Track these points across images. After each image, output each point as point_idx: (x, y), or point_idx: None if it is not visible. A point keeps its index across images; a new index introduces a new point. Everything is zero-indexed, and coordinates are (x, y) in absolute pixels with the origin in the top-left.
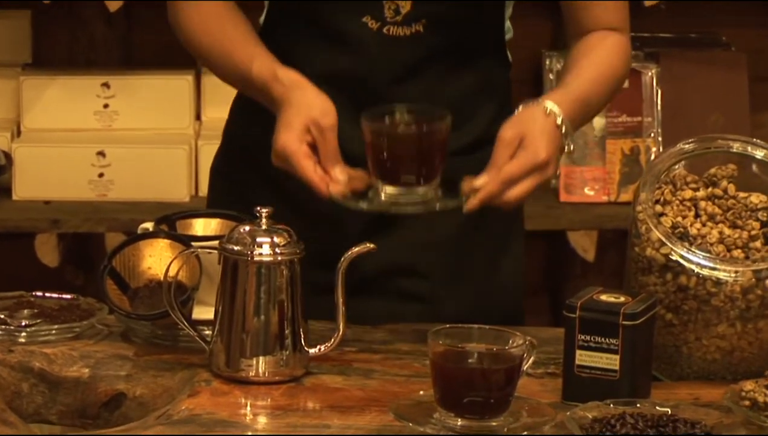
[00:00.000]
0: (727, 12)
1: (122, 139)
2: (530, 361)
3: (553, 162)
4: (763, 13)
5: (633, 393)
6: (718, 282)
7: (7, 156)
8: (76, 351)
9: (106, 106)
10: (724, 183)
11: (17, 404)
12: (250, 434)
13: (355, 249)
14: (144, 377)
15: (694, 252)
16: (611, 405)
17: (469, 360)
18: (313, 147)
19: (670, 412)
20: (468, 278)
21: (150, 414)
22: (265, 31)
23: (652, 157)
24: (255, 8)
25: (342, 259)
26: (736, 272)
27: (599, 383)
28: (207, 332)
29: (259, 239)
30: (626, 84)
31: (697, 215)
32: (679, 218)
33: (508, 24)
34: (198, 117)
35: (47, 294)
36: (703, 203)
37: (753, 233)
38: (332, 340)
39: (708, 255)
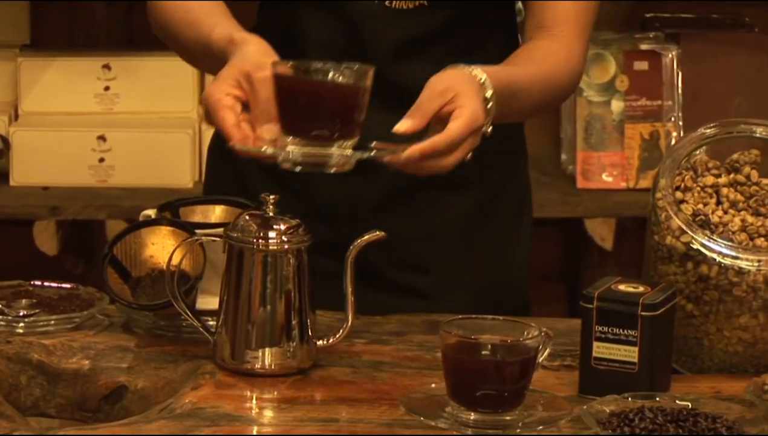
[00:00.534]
0: None
1: (123, 123)
2: (546, 353)
3: (482, 127)
4: None
5: (652, 386)
6: (740, 272)
7: (5, 140)
8: (76, 342)
9: (106, 88)
10: (747, 169)
11: (15, 396)
12: (255, 428)
13: (365, 237)
14: (146, 369)
15: (715, 240)
16: (629, 399)
17: (483, 352)
18: (246, 103)
19: (690, 406)
20: (471, 272)
21: (152, 408)
22: (266, 4)
23: (673, 142)
24: None
25: (351, 247)
26: (759, 261)
27: (617, 376)
28: (211, 323)
29: (265, 227)
30: (646, 66)
31: (718, 202)
32: (700, 205)
33: (519, 5)
34: (201, 101)
35: (46, 283)
36: (725, 190)
37: None
38: (341, 331)
39: (730, 244)
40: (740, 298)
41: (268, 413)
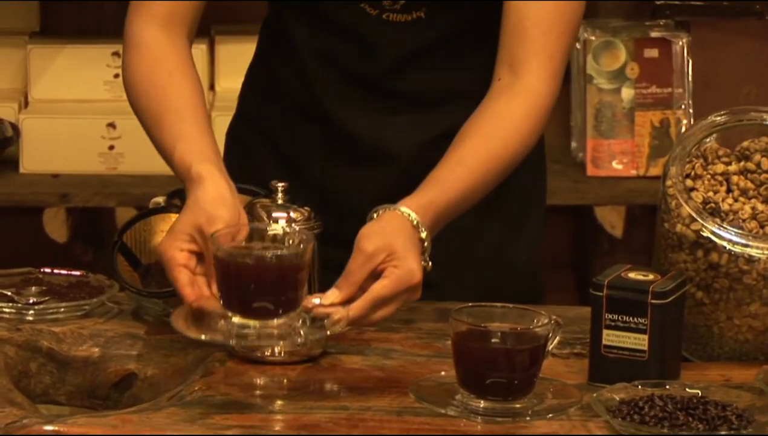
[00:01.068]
0: None
1: None
2: (555, 341)
3: (421, 283)
4: None
5: (662, 374)
6: (750, 260)
7: (14, 128)
8: (86, 330)
9: (116, 76)
10: (757, 157)
11: (24, 384)
12: (265, 415)
13: None
14: (155, 357)
15: (725, 228)
16: (639, 387)
17: (493, 340)
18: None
19: (700, 394)
20: (478, 262)
21: (162, 395)
22: (268, 17)
23: (683, 129)
24: None
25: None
26: None
27: (627, 364)
28: None
29: (275, 214)
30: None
31: (729, 190)
32: (711, 193)
33: None
34: (212, 87)
35: (56, 271)
36: (735, 178)
37: None
38: None
39: (740, 232)
40: (750, 286)
41: (278, 401)
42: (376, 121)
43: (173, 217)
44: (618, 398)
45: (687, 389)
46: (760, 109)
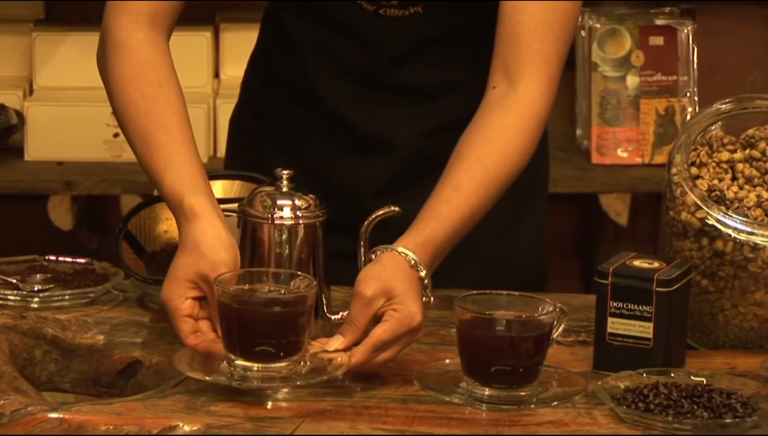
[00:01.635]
0: None
1: None
2: (560, 329)
3: (422, 323)
4: None
5: (667, 362)
6: (755, 247)
7: (19, 115)
8: (91, 317)
9: None
10: (763, 144)
11: (29, 371)
12: (269, 403)
13: (379, 212)
14: (160, 344)
15: (730, 216)
16: (644, 375)
17: (497, 328)
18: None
19: (705, 382)
20: (481, 251)
21: (167, 382)
22: (267, 10)
23: (688, 117)
24: None
25: (366, 222)
26: None
27: (632, 352)
28: None
29: (279, 202)
30: (661, 41)
31: (734, 178)
32: (716, 181)
33: None
34: (216, 75)
35: (60, 258)
36: (740, 166)
37: None
38: None
39: (745, 219)
40: (755, 274)
41: (283, 388)
42: (375, 112)
43: None
44: (623, 386)
45: (692, 377)
46: (766, 97)
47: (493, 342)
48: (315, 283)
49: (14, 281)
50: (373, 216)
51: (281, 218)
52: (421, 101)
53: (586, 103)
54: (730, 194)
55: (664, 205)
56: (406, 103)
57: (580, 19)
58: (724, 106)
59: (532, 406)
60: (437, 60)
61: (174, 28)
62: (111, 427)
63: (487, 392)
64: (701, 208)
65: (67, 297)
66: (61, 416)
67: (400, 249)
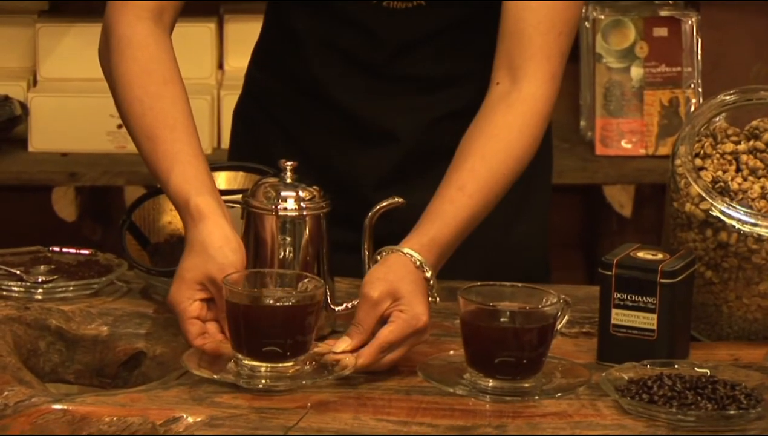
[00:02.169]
0: None
1: None
2: (564, 320)
3: (429, 324)
4: None
5: (671, 354)
6: (759, 239)
7: (23, 106)
8: (95, 308)
9: None
10: (767, 136)
11: (33, 362)
12: (273, 394)
13: (384, 203)
14: (164, 336)
15: (734, 208)
16: (648, 366)
17: (501, 319)
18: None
19: (709, 373)
20: (484, 242)
21: (170, 374)
22: (271, 4)
23: (692, 108)
24: None
25: (370, 213)
26: None
27: (636, 343)
28: None
29: (283, 193)
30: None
31: (738, 169)
32: (720, 172)
33: None
34: (221, 66)
35: (65, 249)
36: (744, 157)
37: None
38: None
39: (749, 211)
40: (759, 265)
41: (289, 388)
42: (378, 103)
43: None
44: (627, 378)
45: (696, 369)
46: None
47: (497, 333)
48: (323, 284)
49: (18, 272)
50: (378, 207)
51: (285, 209)
52: (424, 92)
53: (590, 94)
54: (734, 186)
55: (668, 196)
56: (409, 95)
57: (584, 10)
58: (728, 97)
59: (536, 397)
60: (440, 52)
61: (176, 23)
62: (115, 418)
63: (491, 383)
64: (705, 199)
65: (71, 288)
66: (65, 407)
67: (406, 250)
